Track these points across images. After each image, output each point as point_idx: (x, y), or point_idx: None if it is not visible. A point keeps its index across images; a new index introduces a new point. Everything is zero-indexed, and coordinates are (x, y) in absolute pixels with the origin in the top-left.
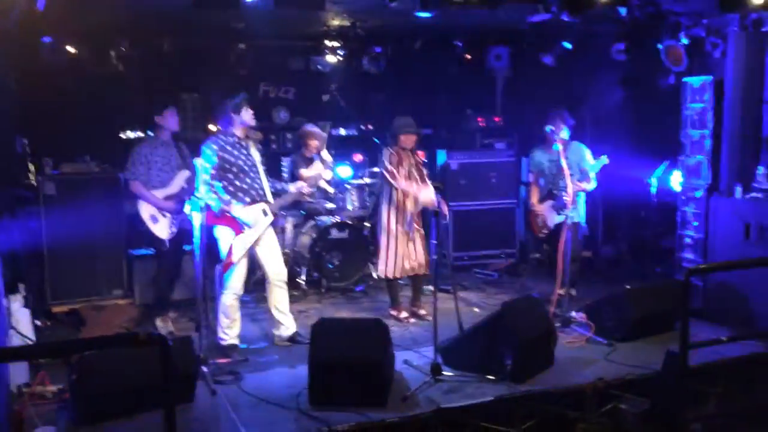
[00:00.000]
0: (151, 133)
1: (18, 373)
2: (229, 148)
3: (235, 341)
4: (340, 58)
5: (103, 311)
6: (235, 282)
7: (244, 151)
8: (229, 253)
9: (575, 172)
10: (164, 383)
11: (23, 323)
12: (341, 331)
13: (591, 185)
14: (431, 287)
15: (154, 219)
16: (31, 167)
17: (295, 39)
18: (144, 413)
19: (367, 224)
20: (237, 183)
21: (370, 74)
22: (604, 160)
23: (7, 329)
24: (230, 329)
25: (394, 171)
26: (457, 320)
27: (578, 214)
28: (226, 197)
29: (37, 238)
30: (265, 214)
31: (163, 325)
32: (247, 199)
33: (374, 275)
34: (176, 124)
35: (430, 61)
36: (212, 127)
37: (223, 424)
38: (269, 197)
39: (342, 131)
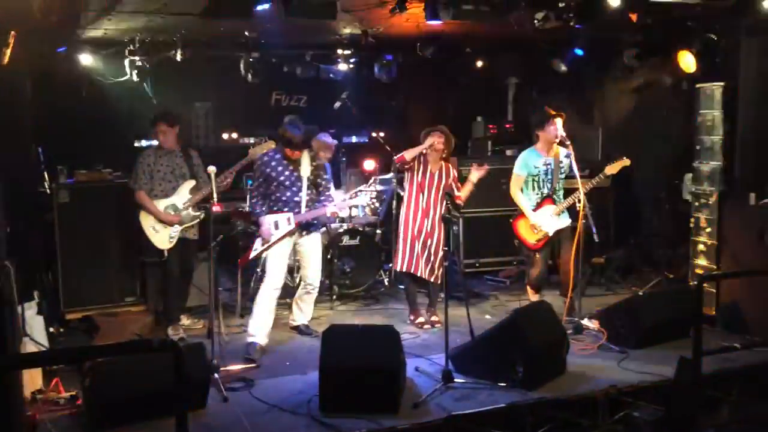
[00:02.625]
0: (155, 142)
1: (32, 379)
2: (273, 163)
3: (261, 340)
4: (352, 66)
5: (116, 318)
6: (271, 280)
7: (291, 167)
8: (249, 249)
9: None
10: (177, 390)
11: (37, 330)
12: (352, 337)
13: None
14: (443, 294)
15: (154, 229)
16: (46, 175)
17: (306, 47)
18: (156, 419)
19: (378, 231)
20: (277, 194)
21: (381, 82)
22: (626, 161)
23: (22, 336)
24: (257, 324)
25: (405, 157)
26: (468, 327)
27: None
28: (256, 208)
29: (51, 246)
30: (288, 222)
31: (175, 333)
32: (285, 209)
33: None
34: (170, 143)
35: (440, 69)
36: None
37: (235, 430)
38: (303, 209)
39: (353, 138)
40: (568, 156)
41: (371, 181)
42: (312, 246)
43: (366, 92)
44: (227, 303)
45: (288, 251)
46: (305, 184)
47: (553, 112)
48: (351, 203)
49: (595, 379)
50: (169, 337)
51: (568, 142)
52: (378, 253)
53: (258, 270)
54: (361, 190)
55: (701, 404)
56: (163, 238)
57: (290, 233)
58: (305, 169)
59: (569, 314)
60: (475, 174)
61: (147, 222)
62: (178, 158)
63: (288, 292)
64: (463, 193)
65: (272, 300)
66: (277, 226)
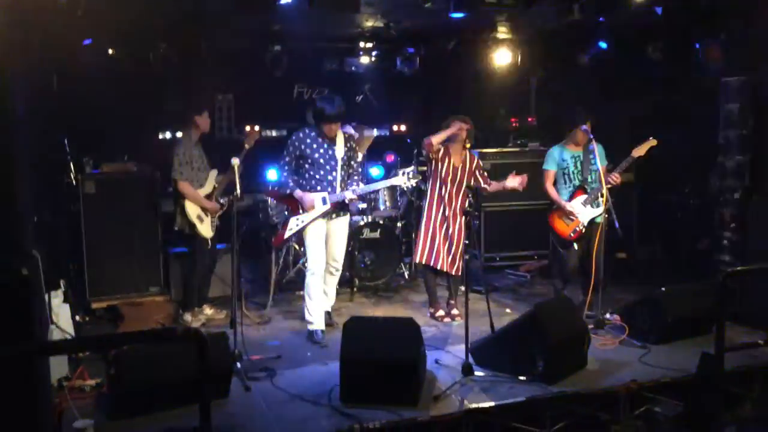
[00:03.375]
0: (180, 134)
1: (58, 366)
2: (308, 141)
3: (320, 325)
4: (374, 59)
5: (140, 307)
6: (312, 262)
7: (325, 146)
8: (283, 228)
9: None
10: (200, 378)
11: (63, 318)
12: (373, 329)
13: (619, 179)
14: (463, 287)
15: (200, 218)
16: (71, 166)
17: (329, 40)
18: (180, 407)
19: (399, 224)
20: (311, 173)
21: (404, 75)
22: (653, 141)
23: (48, 324)
24: (313, 311)
25: (432, 140)
26: (489, 320)
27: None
28: (290, 182)
29: (77, 236)
30: (324, 201)
31: (195, 320)
32: (318, 188)
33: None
34: (208, 126)
35: (462, 62)
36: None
37: (257, 419)
38: (338, 190)
39: (375, 131)
40: (591, 150)
41: (392, 174)
42: (341, 227)
43: (388, 85)
44: (249, 294)
45: (324, 233)
46: (339, 164)
47: (586, 118)
48: (390, 182)
49: (616, 374)
50: (186, 324)
51: (592, 136)
52: (398, 246)
53: (281, 261)
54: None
55: (723, 400)
56: (207, 227)
57: (324, 214)
58: (340, 150)
59: (591, 309)
60: (512, 182)
61: (193, 211)
62: (201, 149)
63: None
64: (491, 187)
65: (319, 285)
66: (324, 202)
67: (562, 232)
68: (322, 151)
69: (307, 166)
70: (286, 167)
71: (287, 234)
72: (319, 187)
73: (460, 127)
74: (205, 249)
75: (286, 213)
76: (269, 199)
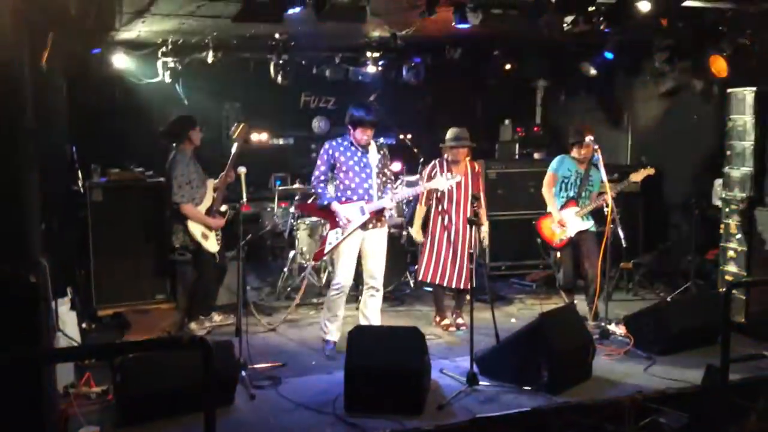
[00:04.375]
0: (172, 153)
1: (64, 373)
2: (342, 149)
3: (333, 337)
4: (380, 69)
5: (146, 315)
6: (339, 278)
7: (359, 154)
8: (322, 243)
9: (596, 182)
10: (205, 386)
11: (70, 326)
12: (378, 338)
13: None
14: (468, 296)
15: (204, 236)
16: (79, 173)
17: (335, 50)
18: (185, 415)
19: (405, 233)
20: (346, 182)
21: (409, 84)
22: (650, 170)
23: (55, 331)
24: (330, 323)
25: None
26: (494, 330)
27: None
28: (327, 194)
29: (84, 243)
30: (362, 211)
31: (200, 328)
32: (354, 198)
33: (411, 282)
34: (199, 139)
35: (468, 71)
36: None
37: (261, 427)
38: (375, 199)
39: (381, 140)
40: (596, 162)
41: (398, 182)
42: (378, 240)
43: (394, 94)
44: (255, 302)
45: (357, 247)
46: (374, 171)
47: (588, 134)
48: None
49: (621, 385)
50: (192, 332)
51: (597, 147)
52: (404, 255)
53: (286, 270)
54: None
55: (728, 412)
56: (213, 242)
57: (363, 225)
58: (373, 157)
59: (596, 319)
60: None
61: (197, 230)
62: (196, 162)
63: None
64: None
65: (340, 301)
66: (363, 212)
67: (548, 239)
68: (356, 158)
69: (342, 175)
70: (322, 177)
71: (327, 249)
72: (355, 197)
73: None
74: (210, 263)
75: (325, 226)
76: (275, 207)
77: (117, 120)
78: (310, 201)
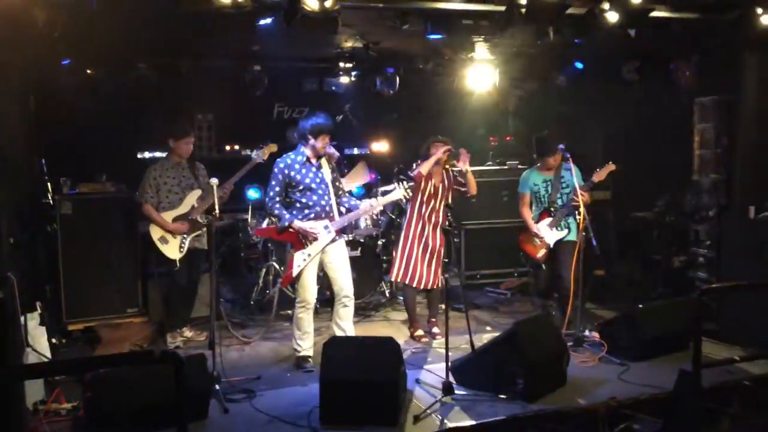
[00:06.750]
0: (158, 154)
1: (34, 390)
2: (297, 166)
3: (308, 353)
4: (353, 79)
5: (118, 329)
6: (304, 295)
7: (314, 170)
8: (289, 266)
9: (570, 182)
10: (177, 401)
11: (39, 341)
12: (353, 349)
13: (587, 199)
14: (443, 306)
15: (164, 240)
16: (49, 186)
17: (308, 60)
18: (158, 430)
19: (379, 242)
20: (303, 200)
21: (383, 94)
22: (611, 166)
23: (24, 347)
24: (302, 341)
25: (422, 172)
26: (469, 339)
27: (573, 232)
28: (286, 214)
29: (53, 257)
30: (327, 230)
31: (173, 341)
32: (312, 216)
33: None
34: (187, 152)
35: (442, 81)
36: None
37: None
38: (335, 215)
39: (354, 150)
40: (568, 169)
41: (372, 192)
42: (340, 253)
43: (367, 105)
44: (229, 315)
45: (317, 262)
46: (331, 188)
47: (558, 145)
48: (391, 198)
49: (596, 392)
50: (167, 345)
51: (569, 155)
52: (379, 265)
53: (260, 282)
54: (401, 178)
55: (701, 417)
56: (173, 248)
57: (331, 243)
58: (327, 172)
59: (569, 327)
60: (464, 164)
61: (156, 234)
62: (185, 170)
63: (286, 302)
64: (471, 188)
65: (308, 318)
66: (327, 230)
67: (531, 253)
68: (311, 175)
69: (298, 194)
70: (277, 198)
71: (296, 271)
72: (312, 215)
73: (445, 150)
74: (174, 270)
75: (290, 249)
76: (249, 218)
77: (88, 132)
78: (265, 224)
